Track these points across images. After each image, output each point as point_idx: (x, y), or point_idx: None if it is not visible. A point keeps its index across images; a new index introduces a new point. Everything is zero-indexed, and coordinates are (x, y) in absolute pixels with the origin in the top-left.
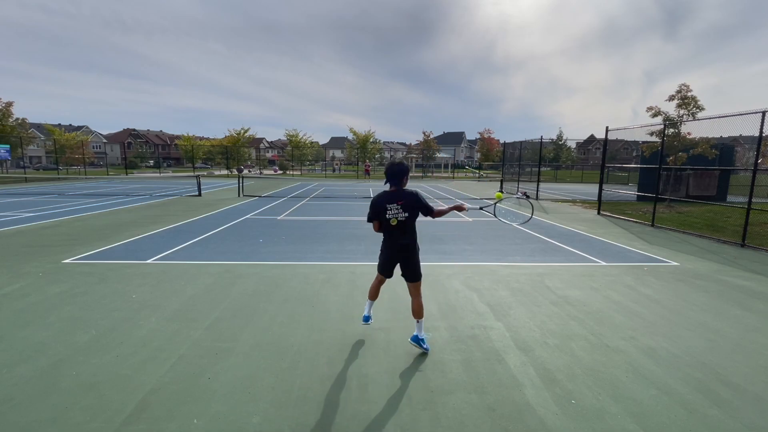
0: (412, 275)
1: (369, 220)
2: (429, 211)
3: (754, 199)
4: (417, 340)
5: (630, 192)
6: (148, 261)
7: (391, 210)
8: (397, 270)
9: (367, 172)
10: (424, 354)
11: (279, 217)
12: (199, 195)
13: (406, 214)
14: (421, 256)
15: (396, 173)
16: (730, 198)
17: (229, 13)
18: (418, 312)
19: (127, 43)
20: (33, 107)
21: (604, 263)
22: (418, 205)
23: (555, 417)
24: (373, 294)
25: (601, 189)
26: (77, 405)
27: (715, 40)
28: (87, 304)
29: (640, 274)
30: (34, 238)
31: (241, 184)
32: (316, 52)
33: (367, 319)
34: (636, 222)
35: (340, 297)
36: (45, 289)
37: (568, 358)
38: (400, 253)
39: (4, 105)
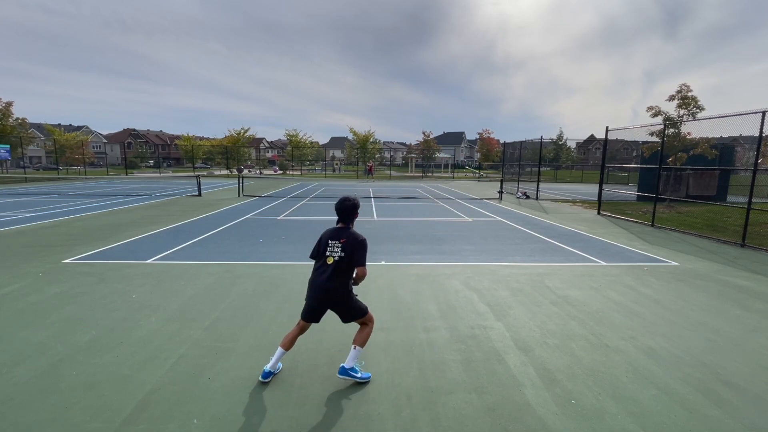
0: (353, 318)
1: (311, 256)
2: (359, 265)
3: (754, 199)
4: (345, 373)
5: (630, 192)
6: (148, 261)
7: (331, 247)
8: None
9: (370, 171)
10: (424, 354)
11: (279, 217)
12: (199, 195)
13: (342, 254)
14: (420, 257)
15: (345, 209)
16: (730, 198)
17: (229, 13)
18: (359, 339)
19: (127, 43)
20: (33, 107)
21: (604, 263)
22: (358, 253)
23: (555, 417)
24: (288, 343)
25: (601, 189)
26: (77, 405)
27: (715, 40)
28: (87, 304)
29: (640, 274)
30: (34, 238)
31: (241, 184)
32: (316, 52)
33: (266, 375)
34: (636, 222)
35: None
36: (45, 289)
37: (568, 358)
38: (325, 296)
39: (4, 105)
